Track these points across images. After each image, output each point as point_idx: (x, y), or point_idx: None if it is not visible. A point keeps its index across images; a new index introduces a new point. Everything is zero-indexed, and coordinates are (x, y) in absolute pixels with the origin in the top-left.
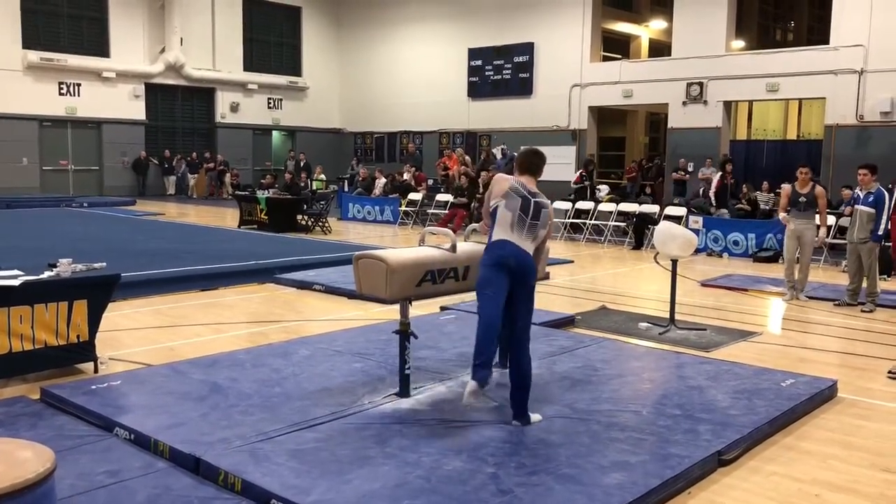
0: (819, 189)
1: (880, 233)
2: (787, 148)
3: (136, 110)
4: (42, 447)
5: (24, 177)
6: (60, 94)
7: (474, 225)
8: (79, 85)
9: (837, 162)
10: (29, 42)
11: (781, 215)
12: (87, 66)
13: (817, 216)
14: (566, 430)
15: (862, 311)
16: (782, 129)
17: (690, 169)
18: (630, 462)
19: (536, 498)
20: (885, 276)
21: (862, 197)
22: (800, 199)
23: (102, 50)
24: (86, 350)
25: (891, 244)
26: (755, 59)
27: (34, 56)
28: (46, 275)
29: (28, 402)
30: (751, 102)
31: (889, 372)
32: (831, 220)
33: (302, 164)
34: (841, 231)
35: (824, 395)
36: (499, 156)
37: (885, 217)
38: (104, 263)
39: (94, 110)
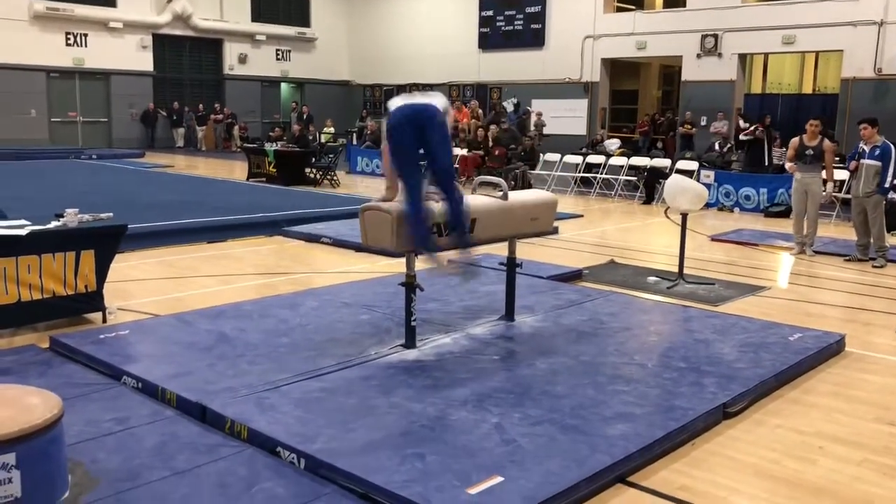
0: (827, 143)
1: (887, 185)
2: (802, 102)
3: (144, 62)
4: (50, 394)
5: (33, 128)
6: (67, 44)
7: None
8: (86, 35)
9: (853, 116)
10: None
11: (788, 165)
12: (94, 17)
13: (827, 185)
14: (571, 381)
15: (873, 266)
16: (798, 83)
17: (703, 122)
18: (635, 413)
19: (540, 448)
20: None
21: (868, 151)
22: (806, 153)
23: None
24: (94, 300)
25: None
26: (772, 11)
27: (40, 6)
28: (53, 225)
29: (38, 351)
30: (766, 55)
31: None
32: (844, 174)
33: (305, 116)
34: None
35: (831, 349)
36: (510, 109)
37: (891, 170)
38: (111, 214)
39: (102, 61)
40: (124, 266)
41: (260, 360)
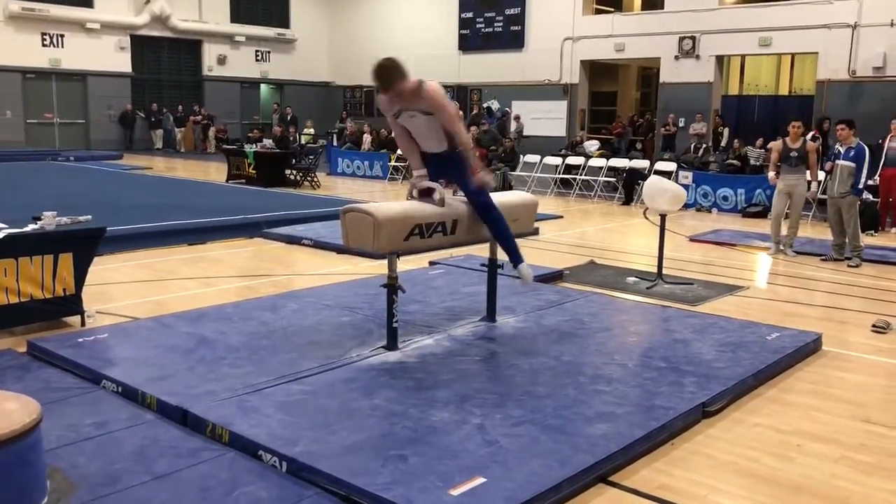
0: (810, 144)
1: (861, 186)
2: (779, 103)
3: (122, 62)
4: (28, 399)
5: (9, 130)
6: (44, 45)
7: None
8: (62, 36)
9: (829, 117)
10: None
11: (770, 174)
12: (71, 17)
13: (811, 185)
14: (552, 382)
15: (848, 265)
16: (774, 85)
17: (682, 124)
18: (615, 413)
19: (521, 448)
20: (873, 232)
21: (843, 152)
22: (791, 154)
23: None
24: (72, 303)
25: (879, 200)
26: (748, 13)
27: (15, 6)
28: (30, 228)
29: (15, 355)
30: (743, 57)
31: (873, 325)
32: (820, 175)
33: (289, 117)
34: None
35: (809, 348)
36: (495, 107)
37: (865, 171)
38: (89, 217)
39: (79, 62)
40: (103, 269)
41: (241, 363)
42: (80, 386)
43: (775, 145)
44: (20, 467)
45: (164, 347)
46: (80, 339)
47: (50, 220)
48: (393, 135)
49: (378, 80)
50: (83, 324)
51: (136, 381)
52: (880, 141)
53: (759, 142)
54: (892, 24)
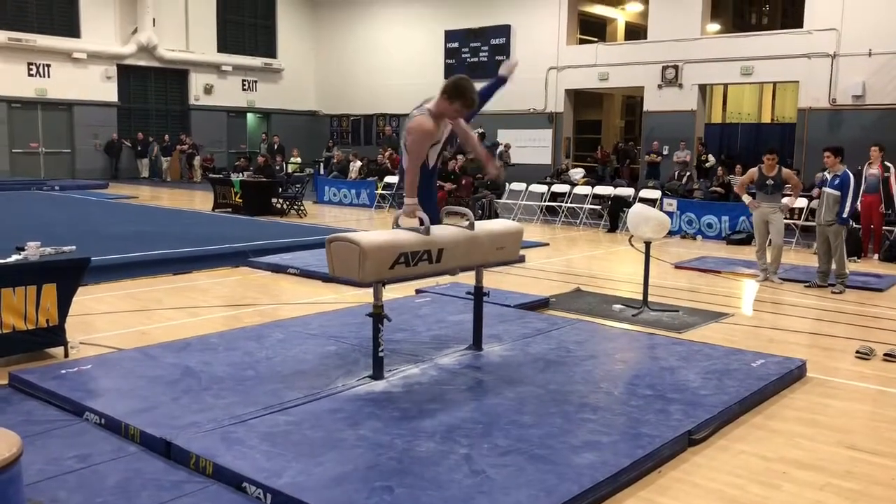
0: (786, 170)
1: (845, 215)
2: (762, 131)
3: (109, 92)
4: (8, 432)
5: None
6: (30, 74)
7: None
8: (49, 66)
9: (810, 145)
10: None
11: (747, 199)
12: (57, 47)
13: (784, 198)
14: (539, 410)
15: (832, 292)
16: (757, 113)
17: (665, 152)
18: (602, 442)
19: (508, 478)
20: (855, 258)
21: (829, 179)
22: (767, 182)
23: (73, 30)
24: (56, 334)
25: (860, 227)
26: (730, 43)
27: (2, 36)
28: (14, 258)
29: None
30: (726, 86)
31: (857, 352)
32: (803, 202)
33: (276, 146)
34: (813, 213)
35: (793, 374)
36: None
37: (849, 199)
38: (74, 247)
39: (65, 92)
40: (87, 299)
41: (226, 394)
42: (62, 418)
43: (751, 171)
44: None
45: (147, 378)
46: (63, 371)
47: (34, 250)
48: (410, 161)
49: (474, 98)
50: (66, 355)
51: (119, 412)
52: (859, 168)
53: (739, 168)
54: (869, 55)
